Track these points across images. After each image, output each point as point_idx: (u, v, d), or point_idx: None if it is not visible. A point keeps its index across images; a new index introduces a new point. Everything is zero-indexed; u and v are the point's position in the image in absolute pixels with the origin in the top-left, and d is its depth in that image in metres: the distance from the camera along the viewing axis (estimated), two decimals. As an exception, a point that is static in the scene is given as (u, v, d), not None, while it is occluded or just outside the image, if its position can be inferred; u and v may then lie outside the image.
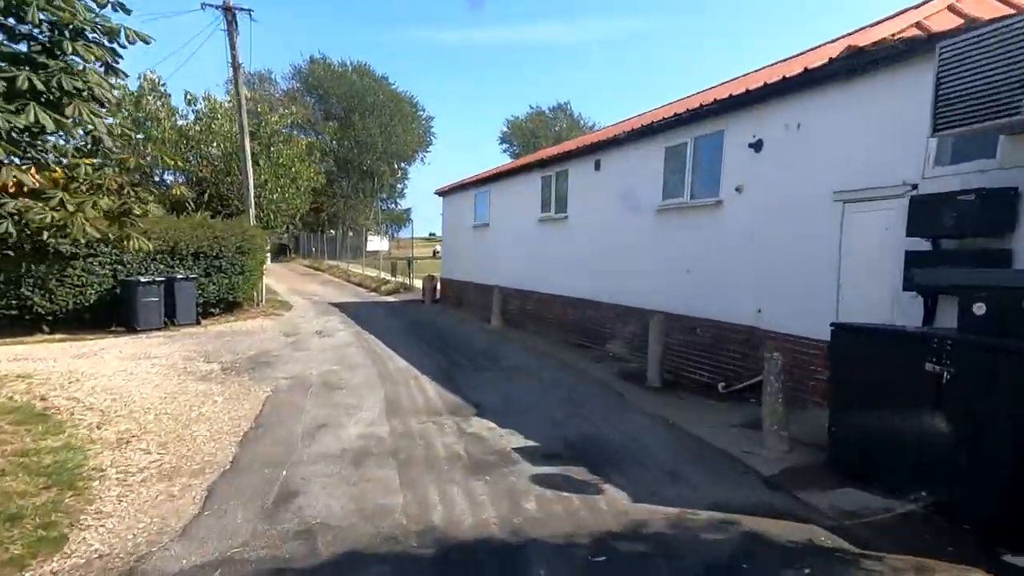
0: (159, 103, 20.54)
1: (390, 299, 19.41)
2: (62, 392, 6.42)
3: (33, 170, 4.71)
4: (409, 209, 54.23)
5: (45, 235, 4.49)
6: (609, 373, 8.40)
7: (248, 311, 14.27)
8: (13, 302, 10.07)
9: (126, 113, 19.46)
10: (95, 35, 4.69)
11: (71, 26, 4.48)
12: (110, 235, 5.01)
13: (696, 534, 3.63)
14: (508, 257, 13.92)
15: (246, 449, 5.03)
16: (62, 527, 3.46)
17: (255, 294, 14.89)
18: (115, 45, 4.79)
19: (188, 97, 21.22)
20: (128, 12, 4.89)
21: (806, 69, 5.83)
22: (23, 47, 4.52)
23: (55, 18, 4.44)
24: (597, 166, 10.34)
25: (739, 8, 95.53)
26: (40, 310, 10.28)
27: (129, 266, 11.36)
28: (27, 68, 4.14)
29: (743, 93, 6.80)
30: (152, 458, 4.72)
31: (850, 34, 7.83)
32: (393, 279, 23.54)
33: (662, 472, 4.66)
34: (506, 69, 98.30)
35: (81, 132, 4.80)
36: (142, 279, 11.01)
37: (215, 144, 21.41)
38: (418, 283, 20.14)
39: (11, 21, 4.48)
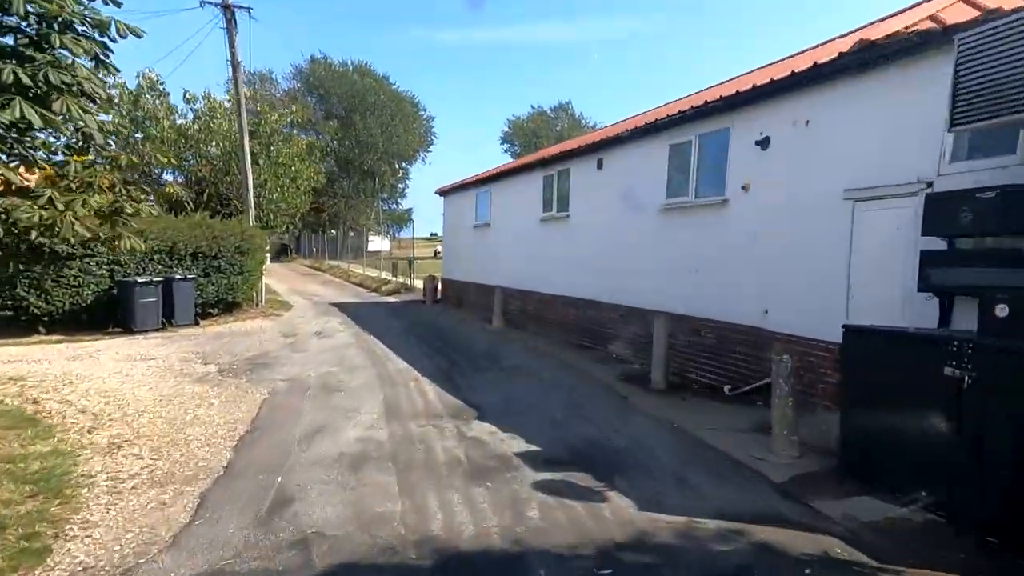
0: (158, 102, 20.41)
1: (391, 299, 19.29)
2: (55, 395, 6.29)
3: (23, 168, 4.58)
4: (410, 209, 54.20)
5: (33, 234, 4.35)
6: (612, 375, 8.26)
7: (247, 311, 14.15)
8: (8, 303, 9.95)
9: (124, 112, 19.35)
10: (84, 28, 4.56)
11: (59, 19, 4.34)
12: (101, 234, 4.87)
13: (704, 545, 3.49)
14: (509, 257, 13.78)
15: (241, 454, 4.90)
16: (46, 538, 3.32)
17: (254, 294, 14.77)
18: (105, 39, 4.67)
19: (187, 96, 21.12)
20: (119, 4, 4.76)
21: (816, 64, 5.69)
22: (9, 40, 4.40)
23: (42, 10, 4.31)
24: (600, 165, 10.20)
25: (739, 8, 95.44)
26: (36, 311, 10.16)
27: (126, 266, 11.24)
28: (13, 61, 4.01)
29: (750, 89, 6.65)
30: (144, 464, 4.59)
31: (858, 29, 7.70)
32: (394, 279, 23.42)
33: (668, 478, 4.53)
34: (506, 69, 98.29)
35: (71, 128, 4.67)
36: (139, 279, 10.89)
37: (214, 143, 21.28)
38: (419, 283, 20.01)
39: (-3, 13, 4.35)
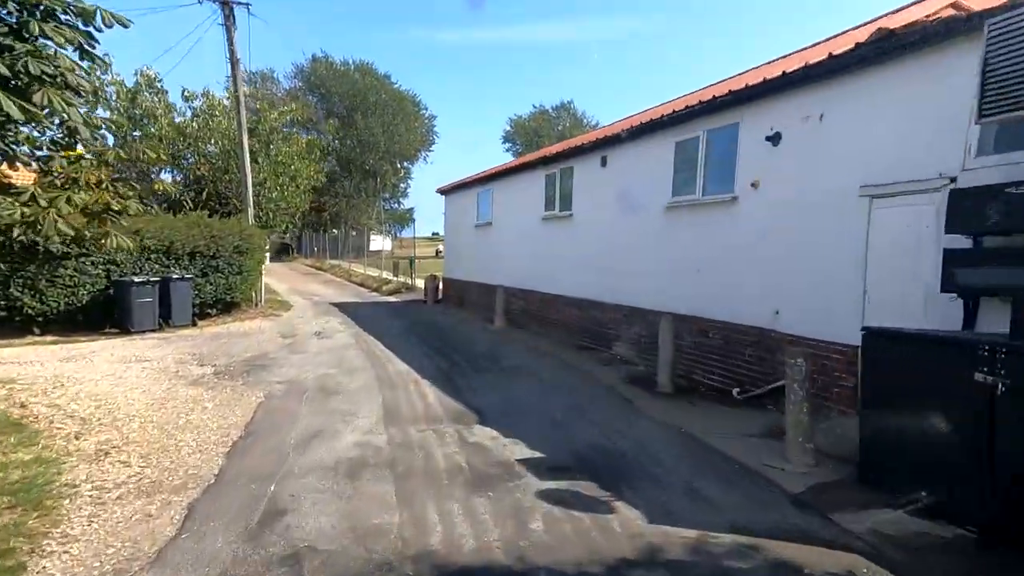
0: (156, 99, 20.24)
1: (392, 299, 19.11)
2: (44, 399, 6.10)
3: (4, 164, 4.39)
4: (412, 209, 54.09)
5: (15, 232, 4.16)
6: (616, 377, 8.06)
7: (246, 312, 13.97)
8: (2, 303, 9.77)
9: (121, 109, 19.18)
10: (68, 17, 4.37)
11: (40, 6, 4.15)
12: (86, 233, 4.68)
13: (719, 561, 3.29)
14: (512, 256, 13.58)
15: (233, 461, 4.71)
16: (21, 554, 3.13)
17: (254, 294, 14.59)
18: (90, 28, 4.47)
19: (186, 94, 20.95)
20: (106, -7, 4.59)
21: (831, 55, 5.47)
22: (-13, 28, 4.21)
23: (22, -4, 4.12)
24: (603, 162, 9.99)
25: (739, 8, 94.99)
26: (30, 311, 9.98)
27: (123, 266, 11.05)
28: (-9, 51, 3.84)
29: (760, 83, 6.44)
30: (132, 472, 4.41)
31: (874, 20, 7.46)
32: (395, 279, 23.25)
33: (678, 488, 4.32)
34: (506, 69, 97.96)
35: (56, 122, 4.48)
36: (136, 279, 10.71)
37: (213, 141, 21.10)
38: (420, 283, 19.82)
39: (-28, 0, 4.15)
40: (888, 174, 5.17)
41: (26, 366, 7.69)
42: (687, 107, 7.66)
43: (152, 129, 19.69)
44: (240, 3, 14.67)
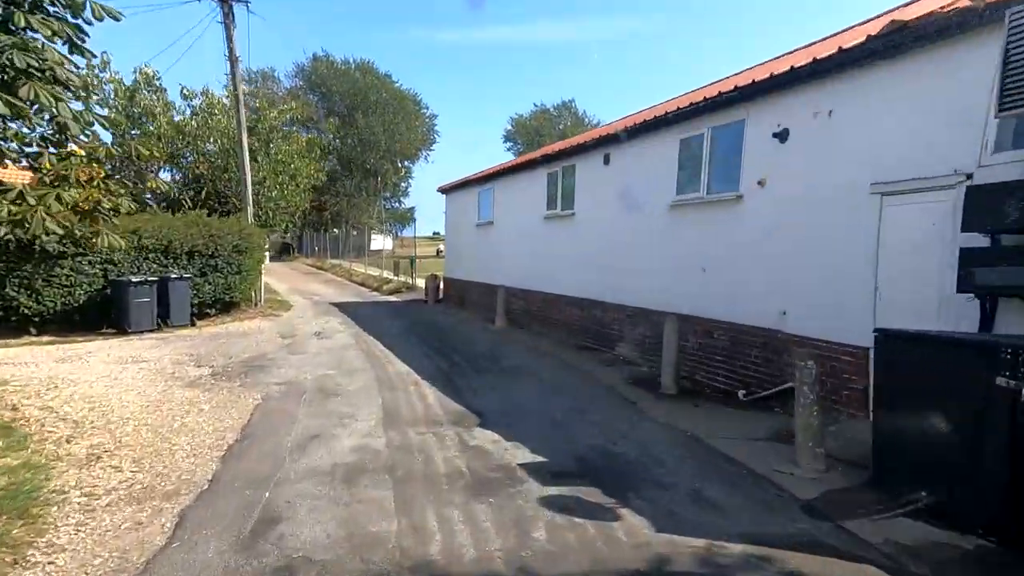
0: (155, 97, 20.12)
1: (392, 299, 18.99)
2: (36, 400, 5.99)
3: (-6, 162, 4.28)
4: (413, 208, 53.87)
5: (1, 231, 4.04)
6: (619, 378, 7.93)
7: (245, 311, 13.85)
8: (-2, 303, 9.68)
9: (120, 107, 19.06)
10: (56, 8, 4.24)
11: (27, -3, 4.04)
12: (76, 231, 4.55)
13: (729, 573, 3.16)
14: (513, 255, 13.45)
15: (228, 465, 4.59)
16: (2, 565, 3.01)
17: (253, 294, 14.47)
18: (80, 21, 4.35)
19: (185, 92, 20.83)
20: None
21: (841, 49, 5.33)
22: (-31, 20, 4.08)
23: (7, -13, 3.99)
24: (606, 160, 9.85)
25: (739, 8, 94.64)
26: (26, 311, 9.87)
27: (120, 265, 10.94)
28: (-27, 43, 3.70)
29: (767, 79, 6.30)
30: (123, 477, 4.29)
31: (885, 13, 7.31)
32: (396, 278, 23.12)
33: (684, 494, 4.19)
34: (506, 69, 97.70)
35: (45, 118, 4.36)
36: (134, 279, 10.58)
37: (212, 140, 20.98)
38: (421, 282, 19.70)
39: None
40: (900, 170, 5.03)
41: (21, 367, 7.58)
42: (692, 104, 7.52)
43: (151, 127, 19.56)
44: (239, 0, 14.56)
